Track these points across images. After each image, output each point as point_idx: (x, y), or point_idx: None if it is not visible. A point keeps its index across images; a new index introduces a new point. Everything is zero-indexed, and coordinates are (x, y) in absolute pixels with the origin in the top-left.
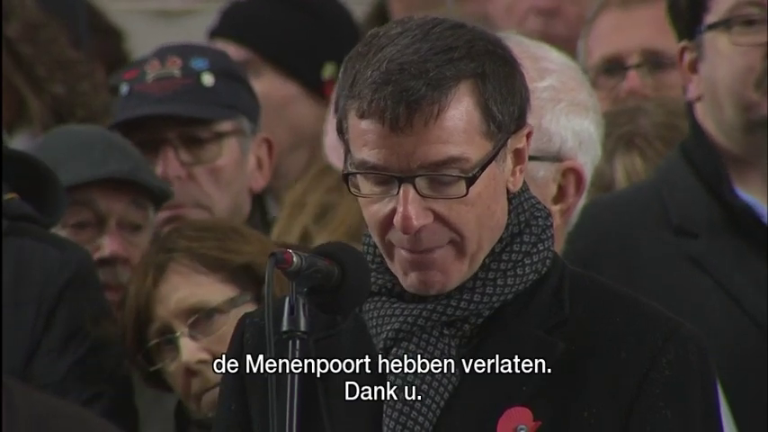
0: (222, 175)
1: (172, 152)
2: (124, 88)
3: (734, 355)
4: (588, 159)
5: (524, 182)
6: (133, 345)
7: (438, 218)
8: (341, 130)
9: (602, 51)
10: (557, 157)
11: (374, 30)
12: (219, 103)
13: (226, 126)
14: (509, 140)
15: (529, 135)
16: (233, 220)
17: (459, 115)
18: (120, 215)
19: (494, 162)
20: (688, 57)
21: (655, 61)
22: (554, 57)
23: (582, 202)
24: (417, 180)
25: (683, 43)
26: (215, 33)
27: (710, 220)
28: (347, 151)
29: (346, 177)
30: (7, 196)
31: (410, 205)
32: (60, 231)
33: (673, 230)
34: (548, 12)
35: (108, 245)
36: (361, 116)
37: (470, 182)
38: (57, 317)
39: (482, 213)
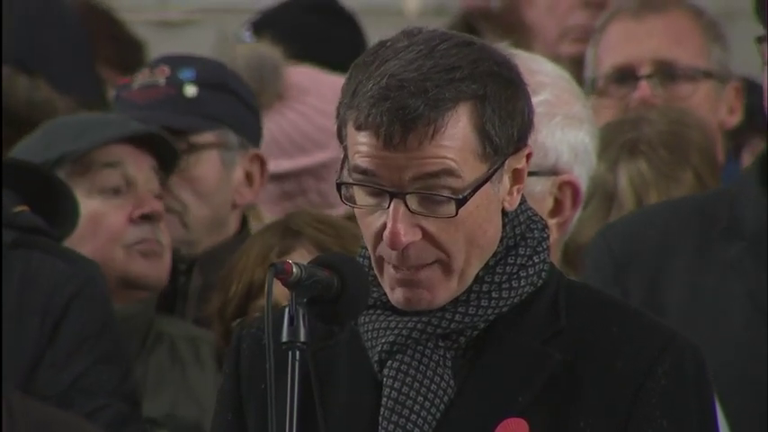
0: (199, 187)
1: None
2: (113, 94)
3: (753, 364)
4: (584, 171)
5: (521, 194)
6: (234, 312)
7: (427, 235)
8: (340, 137)
9: (614, 60)
10: (553, 172)
11: (382, 39)
12: (200, 114)
13: (205, 138)
14: (507, 161)
15: (529, 156)
16: (214, 234)
17: (455, 136)
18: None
19: (488, 183)
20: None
21: (667, 72)
22: (548, 69)
23: (578, 214)
24: (408, 197)
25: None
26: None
27: (760, 224)
28: (344, 159)
29: (339, 187)
30: (18, 208)
31: (399, 222)
32: (95, 197)
33: (720, 233)
34: (596, 4)
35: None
36: (358, 128)
37: (460, 203)
38: (62, 329)
39: (473, 233)
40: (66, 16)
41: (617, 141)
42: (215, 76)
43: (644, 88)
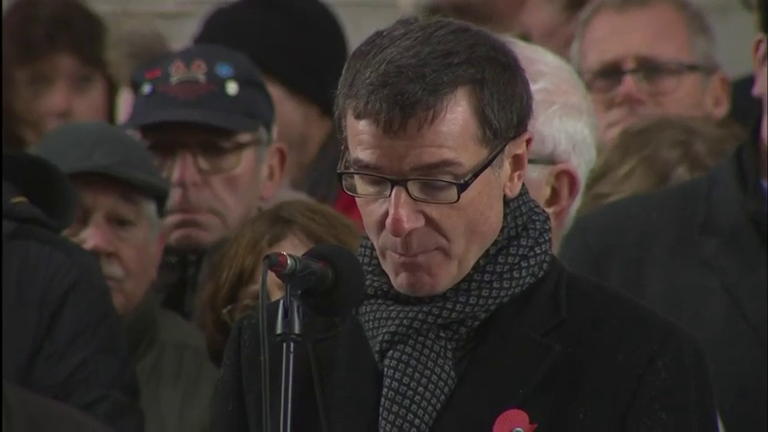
0: (238, 185)
1: (190, 158)
2: (147, 88)
3: (731, 361)
4: (582, 161)
5: (523, 185)
6: (225, 299)
7: (429, 221)
8: (339, 128)
9: (598, 55)
10: (550, 160)
11: (379, 29)
12: (242, 113)
13: (245, 137)
14: (507, 147)
15: (529, 141)
16: None
17: (455, 121)
18: (107, 209)
19: (489, 168)
20: (762, 49)
21: (650, 67)
22: (548, 59)
23: (576, 204)
24: (410, 183)
25: (759, 36)
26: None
27: (736, 221)
28: (345, 149)
29: (340, 176)
30: (16, 199)
31: (401, 208)
32: None
33: (696, 228)
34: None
35: (91, 238)
36: (358, 116)
37: (462, 188)
38: (60, 320)
39: (474, 219)
40: None
41: (672, 152)
42: (250, 73)
43: (628, 83)
